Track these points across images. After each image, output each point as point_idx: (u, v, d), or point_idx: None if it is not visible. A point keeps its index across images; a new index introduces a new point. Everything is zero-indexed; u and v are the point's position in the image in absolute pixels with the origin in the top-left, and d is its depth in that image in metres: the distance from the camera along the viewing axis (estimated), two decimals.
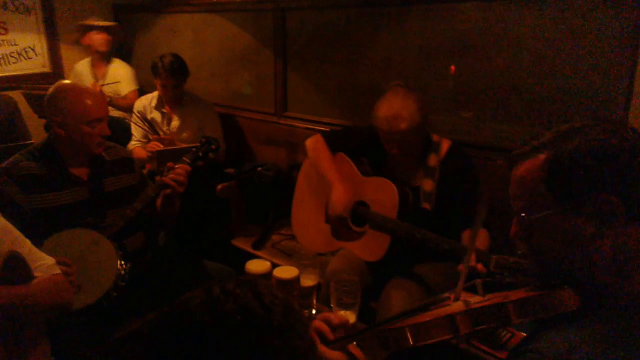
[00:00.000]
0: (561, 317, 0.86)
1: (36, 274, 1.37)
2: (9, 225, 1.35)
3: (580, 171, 0.84)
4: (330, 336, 1.05)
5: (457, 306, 0.98)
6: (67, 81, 1.96)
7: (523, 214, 0.91)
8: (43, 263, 1.41)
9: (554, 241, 0.88)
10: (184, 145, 2.78)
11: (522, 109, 2.15)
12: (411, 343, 0.95)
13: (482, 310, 0.93)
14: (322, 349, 1.01)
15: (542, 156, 0.88)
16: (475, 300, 0.98)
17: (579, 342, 0.80)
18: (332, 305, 1.60)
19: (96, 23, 3.70)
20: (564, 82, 2.02)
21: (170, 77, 2.97)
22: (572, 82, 2.00)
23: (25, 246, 1.37)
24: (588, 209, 0.84)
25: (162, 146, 2.87)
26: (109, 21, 3.90)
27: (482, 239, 1.83)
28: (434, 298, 1.05)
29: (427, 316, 0.98)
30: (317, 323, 1.07)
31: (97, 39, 3.69)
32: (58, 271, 1.46)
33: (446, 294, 1.03)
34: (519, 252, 1.46)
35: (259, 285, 0.71)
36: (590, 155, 0.83)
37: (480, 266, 1.65)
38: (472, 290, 1.02)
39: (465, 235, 1.86)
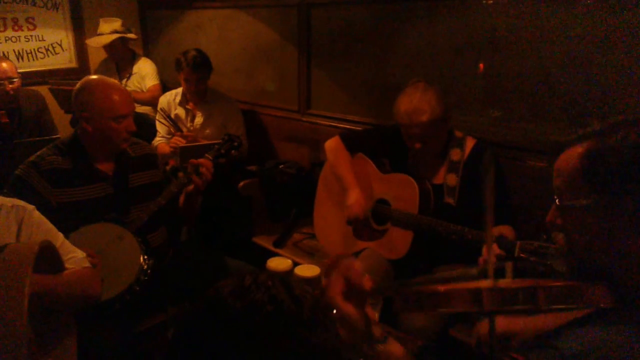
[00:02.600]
0: (592, 316, 0.85)
1: (67, 265, 1.42)
2: (44, 219, 1.41)
3: (619, 165, 0.82)
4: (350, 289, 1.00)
5: (484, 282, 0.94)
6: (94, 77, 1.98)
7: (558, 201, 0.91)
8: (74, 256, 1.46)
9: (589, 234, 0.87)
10: (206, 142, 2.78)
11: (554, 108, 2.08)
12: (431, 307, 0.93)
13: (510, 290, 0.90)
14: (340, 300, 0.97)
15: (583, 146, 0.87)
16: (503, 282, 0.95)
17: (602, 342, 0.78)
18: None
19: (99, 43, 3.71)
20: (598, 80, 1.95)
21: (193, 71, 2.97)
22: (606, 80, 1.93)
23: (58, 239, 1.43)
24: (627, 204, 0.82)
25: (184, 142, 2.88)
26: (128, 17, 3.93)
27: (505, 231, 1.79)
28: (462, 270, 1.01)
29: (452, 286, 0.95)
30: (342, 271, 1.01)
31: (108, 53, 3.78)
32: (88, 264, 1.51)
33: (473, 270, 0.99)
34: (544, 237, 1.43)
35: (290, 279, 0.72)
36: (631, 150, 0.81)
37: (496, 251, 1.60)
38: (501, 272, 0.98)
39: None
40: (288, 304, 0.67)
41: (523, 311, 0.89)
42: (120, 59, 3.78)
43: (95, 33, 3.79)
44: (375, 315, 1.00)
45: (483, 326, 1.18)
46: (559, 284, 0.88)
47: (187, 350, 0.67)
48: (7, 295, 1.04)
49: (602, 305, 0.84)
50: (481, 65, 2.26)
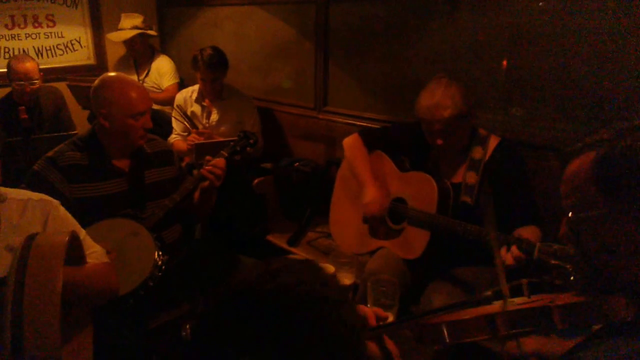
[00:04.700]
0: (612, 329, 0.82)
1: (88, 260, 1.43)
2: (69, 214, 1.45)
3: (633, 171, 0.79)
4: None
5: (498, 306, 0.94)
6: (112, 74, 1.99)
7: (571, 214, 0.87)
8: (95, 251, 1.48)
9: (604, 244, 0.84)
10: (222, 139, 2.78)
11: (580, 107, 2.02)
12: (447, 340, 0.94)
13: (525, 313, 0.89)
14: None
15: (593, 154, 0.84)
16: (519, 301, 0.94)
17: (627, 356, 0.75)
18: (369, 306, 1.56)
19: (119, 38, 3.74)
20: (627, 78, 1.89)
21: (209, 70, 2.97)
22: (635, 78, 1.87)
23: (81, 234, 1.44)
24: None
25: (201, 139, 2.88)
26: (147, 14, 3.95)
27: (530, 232, 1.73)
28: (476, 296, 1.01)
29: (466, 314, 0.95)
30: None
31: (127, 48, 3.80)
32: (108, 260, 1.52)
33: (488, 292, 0.99)
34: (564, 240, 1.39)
35: (316, 263, 0.77)
36: None
37: (515, 253, 1.58)
38: (517, 290, 0.98)
39: (516, 233, 1.77)
40: (316, 286, 0.69)
41: (539, 332, 0.88)
42: (139, 55, 3.79)
43: (113, 30, 3.82)
44: (393, 346, 1.01)
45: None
46: (574, 300, 0.86)
47: (215, 336, 0.68)
48: (42, 285, 1.05)
49: (622, 319, 0.81)
50: (504, 62, 2.21)
